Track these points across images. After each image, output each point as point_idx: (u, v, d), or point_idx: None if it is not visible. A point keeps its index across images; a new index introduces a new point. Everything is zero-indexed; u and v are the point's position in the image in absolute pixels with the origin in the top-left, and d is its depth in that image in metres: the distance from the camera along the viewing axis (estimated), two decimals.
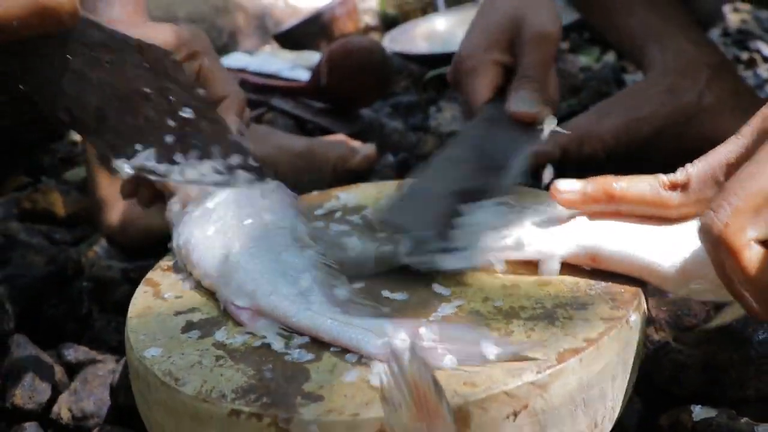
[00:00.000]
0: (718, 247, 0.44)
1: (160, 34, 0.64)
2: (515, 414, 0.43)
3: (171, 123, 0.59)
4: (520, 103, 0.78)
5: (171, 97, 0.59)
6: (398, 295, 0.52)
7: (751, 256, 0.43)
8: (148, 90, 0.58)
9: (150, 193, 0.64)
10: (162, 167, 0.58)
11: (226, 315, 0.51)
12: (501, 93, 0.83)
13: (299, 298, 0.49)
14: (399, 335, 0.45)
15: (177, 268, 0.58)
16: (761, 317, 0.45)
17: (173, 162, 0.59)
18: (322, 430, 0.41)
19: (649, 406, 0.58)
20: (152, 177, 0.58)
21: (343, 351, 0.46)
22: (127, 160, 0.58)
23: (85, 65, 0.56)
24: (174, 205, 0.60)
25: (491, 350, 0.44)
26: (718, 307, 0.59)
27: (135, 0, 0.88)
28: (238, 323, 0.50)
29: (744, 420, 0.53)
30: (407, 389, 0.39)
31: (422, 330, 0.45)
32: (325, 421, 0.41)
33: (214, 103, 0.64)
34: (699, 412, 0.55)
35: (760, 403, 0.57)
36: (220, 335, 0.49)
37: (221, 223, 0.56)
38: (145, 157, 0.58)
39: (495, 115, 0.79)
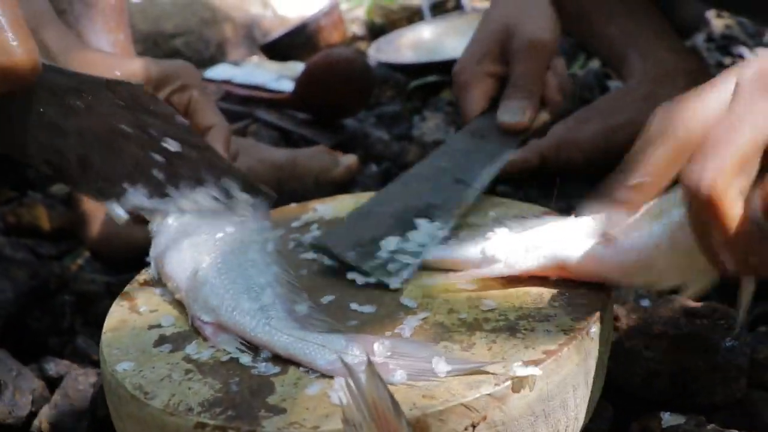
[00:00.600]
0: (705, 207, 0.41)
1: (144, 70, 0.65)
2: (474, 426, 0.43)
3: (156, 157, 0.59)
4: (508, 113, 0.79)
5: (152, 131, 0.58)
6: (366, 308, 0.52)
7: (735, 214, 0.41)
8: (126, 128, 0.58)
9: None
10: (155, 202, 0.59)
11: (197, 329, 0.52)
12: (495, 104, 0.83)
13: (259, 314, 0.49)
14: (352, 351, 0.45)
15: (154, 281, 0.58)
16: (735, 276, 0.43)
17: (165, 195, 0.59)
18: None
19: (620, 413, 0.59)
20: (147, 215, 0.59)
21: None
22: (119, 202, 0.58)
23: (58, 114, 0.55)
24: (156, 216, 0.61)
25: (442, 367, 0.45)
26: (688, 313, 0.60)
27: (117, 16, 0.89)
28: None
29: (711, 426, 0.54)
30: (366, 408, 0.40)
31: (376, 345, 0.46)
32: None
33: (201, 133, 0.64)
34: (668, 419, 0.56)
35: (727, 409, 0.58)
36: (191, 349, 0.50)
37: (195, 236, 0.57)
38: (136, 197, 0.59)
39: (483, 126, 0.79)
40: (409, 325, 0.50)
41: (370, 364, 0.40)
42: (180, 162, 0.59)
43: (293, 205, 0.68)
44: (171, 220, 0.59)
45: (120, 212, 0.58)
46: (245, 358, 0.48)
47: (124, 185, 0.58)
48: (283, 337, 0.48)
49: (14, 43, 0.49)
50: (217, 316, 0.51)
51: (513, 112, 0.78)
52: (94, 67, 0.63)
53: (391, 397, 0.40)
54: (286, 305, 0.50)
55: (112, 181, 0.58)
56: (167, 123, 0.59)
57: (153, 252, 0.59)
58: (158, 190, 0.59)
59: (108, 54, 0.68)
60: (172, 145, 0.58)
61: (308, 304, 0.52)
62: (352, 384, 0.40)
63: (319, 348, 0.46)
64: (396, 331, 0.49)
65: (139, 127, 0.58)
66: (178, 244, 0.57)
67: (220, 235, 0.57)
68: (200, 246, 0.56)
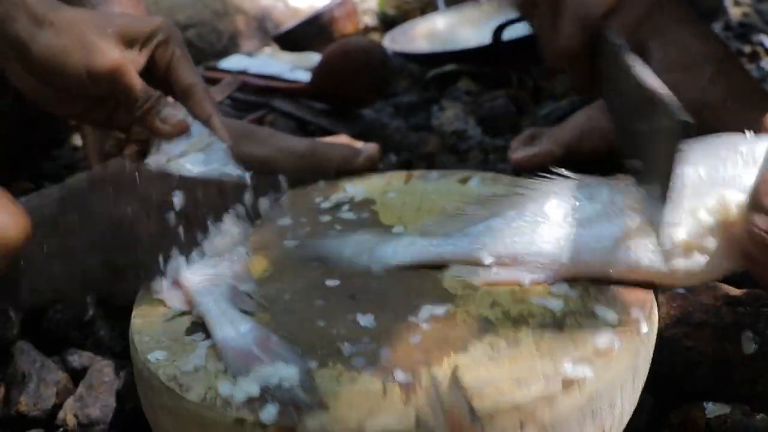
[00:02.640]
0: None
1: (130, 25, 0.63)
2: (522, 425, 0.42)
3: (170, 219, 0.57)
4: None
5: (153, 200, 0.57)
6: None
7: None
8: (129, 213, 0.56)
9: (139, 149, 0.64)
10: (193, 260, 0.57)
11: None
12: None
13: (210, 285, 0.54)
14: (249, 332, 0.49)
15: None
16: None
17: (197, 245, 0.58)
18: None
19: (659, 403, 0.57)
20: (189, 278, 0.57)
21: (349, 357, 0.46)
22: (162, 278, 0.56)
23: (59, 245, 0.54)
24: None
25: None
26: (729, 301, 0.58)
27: (135, 5, 0.88)
28: None
29: (760, 416, 0.53)
30: (443, 416, 0.39)
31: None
32: (330, 431, 0.41)
33: (182, 91, 0.63)
34: (712, 408, 0.54)
35: None
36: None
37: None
38: (174, 266, 0.57)
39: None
40: (435, 313, 0.49)
41: (454, 372, 0.39)
42: (191, 209, 0.58)
43: (321, 183, 0.67)
44: None
45: (167, 290, 0.56)
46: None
47: (158, 264, 0.57)
48: (209, 303, 0.51)
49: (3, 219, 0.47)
50: (176, 275, 0.54)
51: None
52: (78, 26, 0.61)
53: (470, 406, 0.39)
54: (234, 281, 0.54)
55: (146, 268, 0.57)
56: (161, 184, 0.57)
57: None
58: (189, 247, 0.57)
59: (91, 12, 0.65)
60: (177, 201, 0.57)
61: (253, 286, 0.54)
62: (431, 390, 0.39)
63: (226, 323, 0.49)
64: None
65: (140, 203, 0.56)
66: None
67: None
68: None
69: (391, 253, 0.55)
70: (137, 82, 0.62)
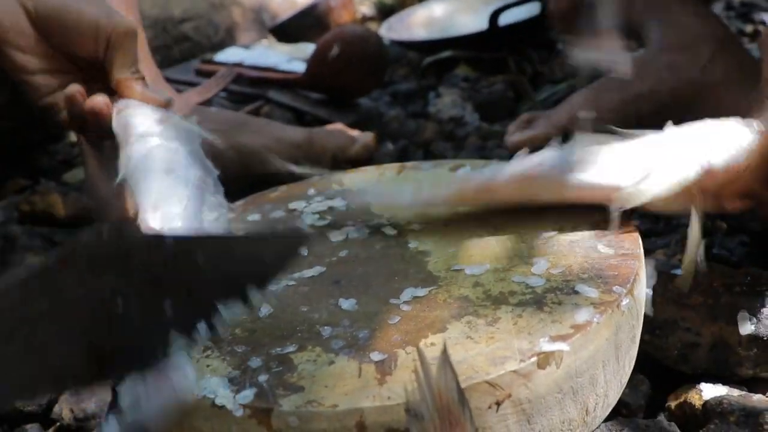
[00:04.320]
0: None
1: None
2: (498, 404, 0.42)
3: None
4: None
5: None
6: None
7: None
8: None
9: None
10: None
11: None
12: None
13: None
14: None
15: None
16: None
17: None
18: (302, 420, 0.41)
19: (656, 387, 0.57)
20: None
21: (329, 340, 0.46)
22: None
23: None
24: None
25: None
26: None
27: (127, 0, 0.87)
28: None
29: (757, 397, 0.52)
30: (431, 400, 0.39)
31: None
32: (305, 412, 0.41)
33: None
34: (709, 390, 0.54)
35: None
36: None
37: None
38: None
39: None
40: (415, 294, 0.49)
41: (444, 351, 0.39)
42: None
43: (315, 178, 0.67)
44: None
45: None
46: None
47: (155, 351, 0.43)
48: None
49: None
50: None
51: None
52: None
53: (459, 389, 0.38)
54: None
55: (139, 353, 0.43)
56: (151, 252, 0.42)
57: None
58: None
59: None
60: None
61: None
62: (420, 372, 0.38)
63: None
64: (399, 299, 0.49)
65: (124, 279, 0.42)
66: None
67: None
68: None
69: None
70: (136, 54, 0.63)
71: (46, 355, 0.41)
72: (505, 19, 1.21)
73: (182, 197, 0.53)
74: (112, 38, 0.62)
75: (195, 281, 0.42)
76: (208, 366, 0.45)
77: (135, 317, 0.41)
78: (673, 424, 0.52)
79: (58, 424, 0.62)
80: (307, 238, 0.50)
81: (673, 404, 0.55)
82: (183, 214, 0.51)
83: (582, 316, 0.45)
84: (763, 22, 1.32)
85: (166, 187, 0.54)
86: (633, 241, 0.52)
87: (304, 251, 0.51)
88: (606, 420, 0.51)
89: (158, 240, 0.43)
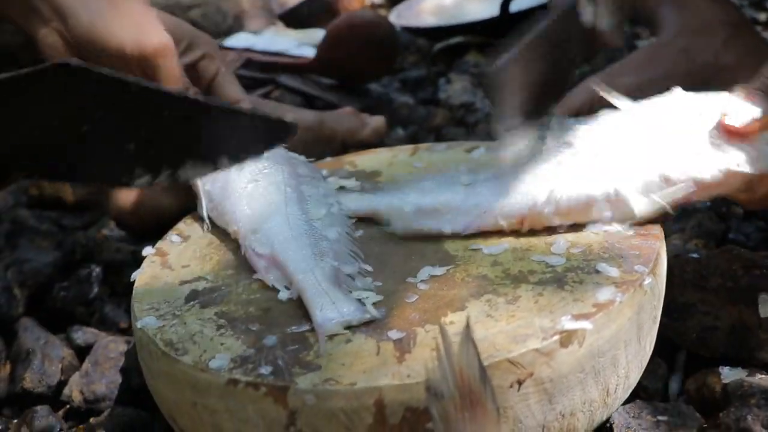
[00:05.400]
0: None
1: (176, 29, 0.62)
2: (520, 382, 0.41)
3: None
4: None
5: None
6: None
7: None
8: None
9: None
10: None
11: (231, 284, 0.50)
12: None
13: (310, 259, 0.49)
14: (352, 315, 0.45)
15: (206, 227, 0.58)
16: None
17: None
18: (319, 399, 0.40)
19: (674, 370, 0.56)
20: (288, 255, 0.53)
21: None
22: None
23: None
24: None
25: None
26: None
27: None
28: (244, 291, 0.50)
29: None
30: (452, 378, 0.38)
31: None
32: (322, 390, 0.40)
33: None
34: (728, 373, 0.53)
35: None
36: (224, 304, 0.48)
37: (257, 173, 0.57)
38: None
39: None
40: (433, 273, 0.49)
41: (467, 328, 0.38)
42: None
43: (329, 159, 0.66)
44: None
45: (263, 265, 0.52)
46: (283, 295, 0.48)
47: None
48: (311, 280, 0.47)
49: None
50: (272, 250, 0.50)
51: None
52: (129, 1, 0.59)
53: (481, 367, 0.38)
54: (336, 261, 0.50)
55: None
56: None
57: (209, 185, 0.58)
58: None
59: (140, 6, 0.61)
60: None
61: (358, 268, 0.50)
62: (442, 349, 0.38)
63: (328, 303, 0.45)
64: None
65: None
66: (241, 180, 0.57)
67: (280, 177, 0.57)
68: (264, 182, 0.57)
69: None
70: (179, 69, 0.60)
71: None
72: (516, 5, 1.20)
73: (278, 206, 0.54)
74: (143, 61, 0.58)
75: (159, 130, 0.45)
76: (222, 344, 0.45)
77: (97, 138, 0.44)
78: (691, 407, 0.51)
79: (68, 406, 0.62)
80: (293, 129, 0.47)
81: (692, 388, 0.54)
82: (286, 224, 0.52)
83: (604, 294, 0.44)
84: None
85: (258, 204, 0.54)
86: (653, 222, 0.52)
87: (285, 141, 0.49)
88: (624, 403, 0.50)
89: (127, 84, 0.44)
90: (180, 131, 0.45)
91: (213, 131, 0.46)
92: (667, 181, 0.51)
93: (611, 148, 0.53)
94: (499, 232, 0.52)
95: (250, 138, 0.47)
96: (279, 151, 0.59)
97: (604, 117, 0.57)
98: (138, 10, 0.59)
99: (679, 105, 0.55)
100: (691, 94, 0.56)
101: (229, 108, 0.49)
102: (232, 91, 0.64)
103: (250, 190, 0.56)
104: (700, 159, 0.51)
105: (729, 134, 0.52)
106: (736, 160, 0.51)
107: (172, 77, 0.59)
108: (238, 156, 0.46)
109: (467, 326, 0.38)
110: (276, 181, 0.57)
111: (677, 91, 0.56)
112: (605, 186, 0.51)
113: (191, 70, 0.64)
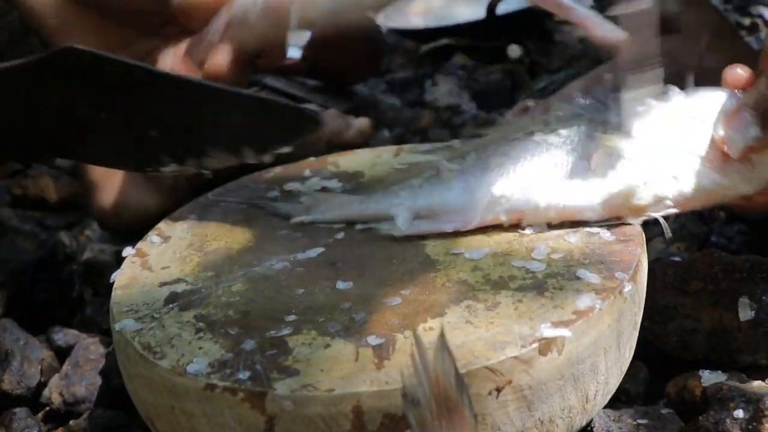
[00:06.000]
0: None
1: None
2: (498, 390, 0.41)
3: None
4: None
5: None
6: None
7: None
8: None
9: None
10: None
11: (211, 286, 0.50)
12: None
13: None
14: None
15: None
16: None
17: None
18: (297, 405, 0.40)
19: (655, 374, 0.56)
20: None
21: (324, 322, 0.45)
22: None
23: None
24: None
25: None
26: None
27: None
28: (224, 294, 0.49)
29: (757, 383, 0.52)
30: (428, 384, 0.38)
31: None
32: (300, 396, 0.40)
33: None
34: (708, 377, 0.53)
35: None
36: (203, 307, 0.48)
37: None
38: None
39: None
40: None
41: (441, 335, 0.38)
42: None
43: (312, 159, 0.66)
44: None
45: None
46: None
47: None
48: None
49: None
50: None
51: None
52: None
53: (457, 374, 0.37)
54: None
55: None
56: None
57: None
58: None
59: None
60: None
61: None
62: (417, 356, 0.38)
63: None
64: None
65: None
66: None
67: None
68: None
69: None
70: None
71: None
72: (503, 8, 1.20)
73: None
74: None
75: (180, 117, 0.44)
76: (200, 348, 0.45)
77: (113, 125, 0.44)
78: (671, 410, 0.51)
79: (47, 408, 0.61)
80: (321, 121, 0.47)
81: (672, 391, 0.54)
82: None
83: (584, 302, 0.44)
84: (760, 16, 1.32)
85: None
86: (635, 227, 0.52)
87: (317, 130, 0.49)
88: (605, 407, 0.50)
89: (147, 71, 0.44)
90: (199, 119, 0.45)
91: (236, 120, 0.46)
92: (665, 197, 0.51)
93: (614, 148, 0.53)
94: (482, 234, 0.52)
95: (276, 128, 0.46)
96: None
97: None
98: None
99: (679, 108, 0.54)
100: (688, 97, 0.55)
101: (257, 97, 0.47)
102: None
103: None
104: (693, 178, 0.51)
105: (724, 157, 0.51)
106: (732, 182, 0.51)
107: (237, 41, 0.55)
108: (264, 147, 0.46)
109: (441, 334, 0.38)
110: None
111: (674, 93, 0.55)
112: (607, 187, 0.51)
113: None
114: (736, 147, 0.50)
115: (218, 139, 0.46)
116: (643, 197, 0.51)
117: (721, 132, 0.51)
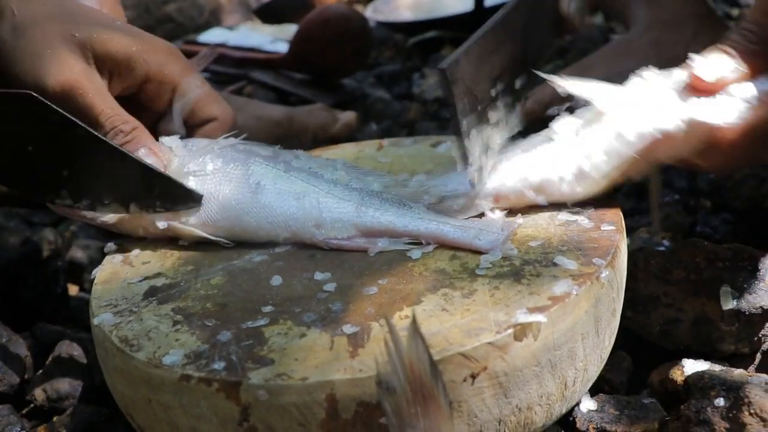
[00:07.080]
0: None
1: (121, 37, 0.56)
2: (473, 376, 0.41)
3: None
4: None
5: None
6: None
7: None
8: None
9: None
10: None
11: (190, 280, 0.50)
12: None
13: (402, 209, 0.51)
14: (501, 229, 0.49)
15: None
16: None
17: None
18: (271, 394, 0.40)
19: (638, 363, 0.56)
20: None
21: (301, 313, 0.45)
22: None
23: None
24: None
25: None
26: None
27: None
28: (203, 287, 0.49)
29: (738, 371, 0.51)
30: (403, 371, 0.38)
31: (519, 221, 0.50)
32: (274, 385, 0.40)
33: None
34: (690, 365, 0.53)
35: (751, 357, 0.55)
36: (182, 300, 0.48)
37: (231, 178, 0.54)
38: None
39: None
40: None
41: (414, 323, 0.38)
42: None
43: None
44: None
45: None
46: (416, 253, 0.50)
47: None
48: (445, 226, 0.50)
49: None
50: (358, 226, 0.51)
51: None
52: (38, 26, 0.54)
53: (431, 361, 0.37)
54: (417, 201, 0.53)
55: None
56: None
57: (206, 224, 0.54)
58: None
59: (64, 8, 0.56)
60: None
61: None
62: (390, 344, 0.37)
63: (479, 231, 0.49)
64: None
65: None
66: (229, 197, 0.53)
67: (261, 168, 0.55)
68: (265, 182, 0.54)
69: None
70: (100, 106, 0.54)
71: None
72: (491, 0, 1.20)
73: (305, 190, 0.53)
74: (53, 100, 0.53)
75: (90, 166, 0.53)
76: (177, 340, 0.44)
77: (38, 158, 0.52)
78: (654, 400, 0.51)
79: (31, 405, 0.61)
80: (198, 200, 0.54)
81: (655, 380, 0.54)
82: (337, 199, 0.53)
83: (560, 287, 0.44)
84: (748, 6, 1.32)
85: (282, 201, 0.53)
86: (614, 215, 0.51)
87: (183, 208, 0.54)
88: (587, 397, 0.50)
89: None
90: (99, 169, 0.53)
91: (121, 177, 0.53)
92: (631, 135, 0.51)
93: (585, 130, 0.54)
94: None
95: (151, 193, 0.53)
96: (212, 146, 0.57)
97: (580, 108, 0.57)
98: (40, 35, 0.54)
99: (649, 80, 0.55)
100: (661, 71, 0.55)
101: (143, 163, 0.53)
102: (208, 109, 0.59)
103: (252, 195, 0.52)
104: (664, 109, 0.51)
105: (697, 88, 0.52)
106: (701, 111, 0.51)
107: (92, 114, 0.53)
108: (148, 207, 0.53)
109: (413, 321, 0.38)
110: (265, 173, 0.54)
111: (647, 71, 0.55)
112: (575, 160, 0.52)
113: (143, 96, 0.58)
114: (712, 74, 0.52)
115: (114, 192, 0.54)
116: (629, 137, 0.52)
117: (700, 63, 0.53)
